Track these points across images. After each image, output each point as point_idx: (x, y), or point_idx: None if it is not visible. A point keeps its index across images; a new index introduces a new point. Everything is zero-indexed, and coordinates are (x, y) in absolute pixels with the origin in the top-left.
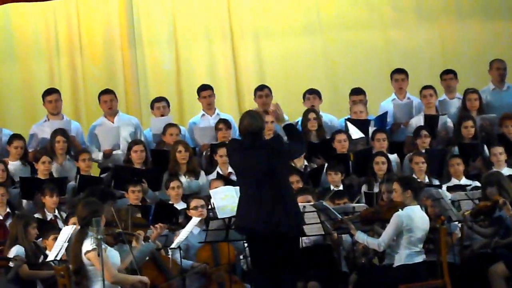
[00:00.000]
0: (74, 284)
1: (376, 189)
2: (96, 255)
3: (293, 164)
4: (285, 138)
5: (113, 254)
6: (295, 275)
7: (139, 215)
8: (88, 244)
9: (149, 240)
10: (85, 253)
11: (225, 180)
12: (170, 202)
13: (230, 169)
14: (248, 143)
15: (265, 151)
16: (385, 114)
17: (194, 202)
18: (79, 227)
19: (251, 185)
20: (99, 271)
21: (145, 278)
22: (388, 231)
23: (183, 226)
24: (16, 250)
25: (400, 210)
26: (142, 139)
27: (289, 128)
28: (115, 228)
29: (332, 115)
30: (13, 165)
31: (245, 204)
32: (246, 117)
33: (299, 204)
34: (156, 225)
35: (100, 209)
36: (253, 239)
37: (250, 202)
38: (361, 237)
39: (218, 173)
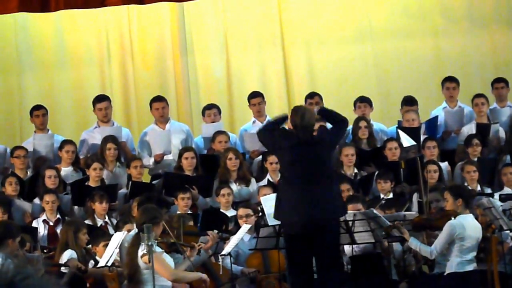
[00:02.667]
0: None
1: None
2: (154, 257)
3: (343, 172)
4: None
5: (168, 260)
6: (339, 274)
7: (191, 223)
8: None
9: (201, 251)
10: (142, 256)
11: (275, 187)
12: (220, 209)
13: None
14: (301, 138)
15: (316, 146)
16: (435, 118)
17: (241, 211)
18: (135, 231)
19: (299, 179)
20: (155, 273)
21: (204, 275)
22: (440, 239)
23: (233, 233)
24: (69, 255)
25: (453, 218)
26: (193, 146)
27: (324, 112)
28: (168, 236)
29: (383, 123)
30: (65, 171)
31: (290, 199)
32: (300, 111)
33: (349, 212)
34: (209, 234)
35: (158, 215)
36: (294, 236)
37: (297, 197)
38: (414, 243)
39: (268, 180)
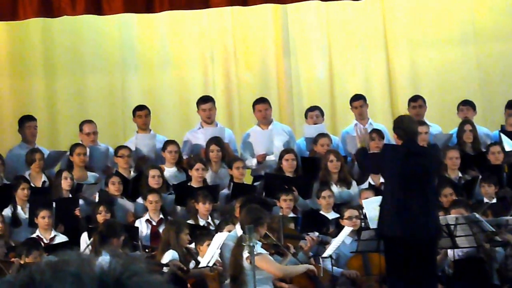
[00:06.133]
0: None
1: None
2: (260, 258)
3: (447, 175)
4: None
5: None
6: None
7: (291, 225)
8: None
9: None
10: (247, 257)
11: (376, 190)
12: (320, 211)
13: (382, 180)
14: (408, 149)
15: (425, 158)
16: None
17: (348, 213)
18: (235, 232)
19: (404, 190)
20: (261, 271)
21: (311, 266)
22: None
23: (333, 235)
24: (170, 255)
25: None
26: (295, 148)
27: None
28: (270, 238)
29: (486, 127)
30: (169, 171)
31: (395, 209)
32: (398, 121)
33: (452, 216)
34: (310, 237)
35: (263, 216)
36: (395, 241)
37: (400, 208)
38: None
39: (369, 183)
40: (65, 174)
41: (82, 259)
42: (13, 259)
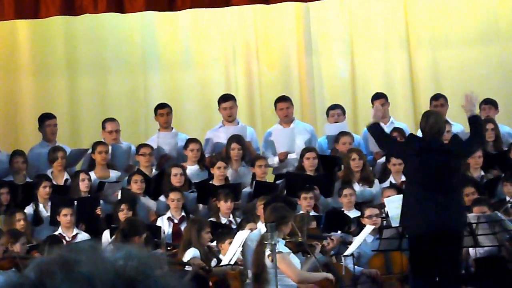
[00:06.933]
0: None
1: None
2: (280, 257)
3: (469, 174)
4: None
5: (295, 261)
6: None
7: (313, 223)
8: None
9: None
10: (268, 255)
11: (398, 189)
12: (342, 210)
13: (403, 178)
14: (429, 145)
15: (447, 155)
16: None
17: (368, 211)
18: (259, 230)
19: (426, 186)
20: (280, 274)
21: (330, 275)
22: None
23: (355, 234)
24: (192, 253)
25: None
26: (317, 146)
27: (474, 121)
28: (296, 237)
29: (508, 125)
30: (191, 169)
31: (415, 205)
32: (425, 115)
33: (474, 214)
34: (333, 237)
35: (288, 215)
36: (419, 239)
37: (422, 204)
38: None
39: (391, 182)
40: (82, 175)
41: (95, 258)
42: (35, 255)
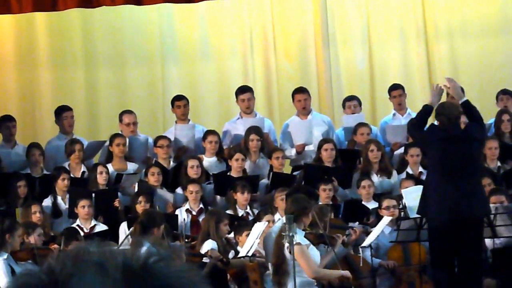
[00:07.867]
0: (274, 279)
1: None
2: (298, 250)
3: (486, 165)
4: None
5: (314, 253)
6: (480, 270)
7: (331, 214)
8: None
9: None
10: (287, 247)
11: (416, 180)
12: (361, 200)
13: (420, 169)
14: (450, 132)
15: (467, 142)
16: None
17: (386, 202)
18: (282, 222)
19: (448, 174)
20: (298, 266)
21: (347, 273)
22: None
23: (373, 225)
24: (210, 245)
25: None
26: (334, 138)
27: (467, 106)
28: (317, 228)
29: None
30: (209, 161)
31: (438, 194)
32: (441, 105)
33: (492, 205)
34: (355, 229)
35: (308, 206)
36: (439, 229)
37: (445, 192)
38: None
39: (407, 173)
40: (100, 168)
41: (103, 248)
42: (52, 247)
